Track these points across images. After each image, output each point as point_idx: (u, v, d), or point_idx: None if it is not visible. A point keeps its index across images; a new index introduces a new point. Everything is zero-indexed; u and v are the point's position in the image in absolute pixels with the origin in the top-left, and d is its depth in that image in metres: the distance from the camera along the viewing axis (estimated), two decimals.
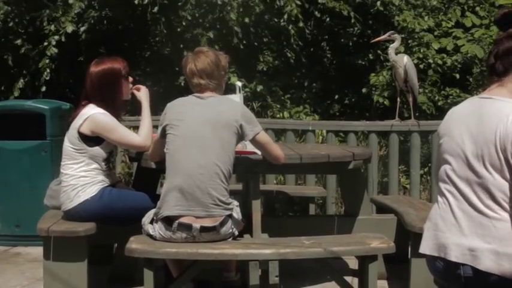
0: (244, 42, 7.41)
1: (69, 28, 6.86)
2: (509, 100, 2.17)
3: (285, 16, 7.38)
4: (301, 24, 7.42)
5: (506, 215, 2.10)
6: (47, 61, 6.96)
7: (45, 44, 6.98)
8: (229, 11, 7.16)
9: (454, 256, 2.15)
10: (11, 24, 7.10)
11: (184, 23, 7.18)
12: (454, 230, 2.17)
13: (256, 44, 7.99)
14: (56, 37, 6.91)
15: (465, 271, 2.12)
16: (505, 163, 2.08)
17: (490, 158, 2.10)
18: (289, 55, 8.40)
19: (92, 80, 3.89)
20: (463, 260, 2.12)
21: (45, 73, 6.98)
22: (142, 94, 4.08)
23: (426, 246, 2.27)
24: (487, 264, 2.08)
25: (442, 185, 2.24)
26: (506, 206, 2.10)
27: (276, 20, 7.80)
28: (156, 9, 7.05)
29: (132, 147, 4.00)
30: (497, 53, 2.22)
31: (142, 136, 3.91)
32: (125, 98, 4.02)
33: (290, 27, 7.41)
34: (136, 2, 6.98)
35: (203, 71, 3.57)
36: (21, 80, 7.31)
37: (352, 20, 7.82)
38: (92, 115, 3.80)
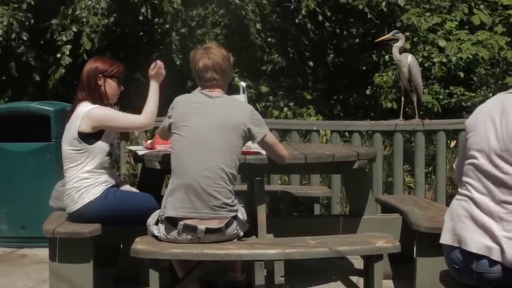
0: (260, 37, 7.42)
1: (88, 45, 6.88)
2: None
3: (303, 11, 7.36)
4: (320, 18, 7.38)
5: None
6: (63, 71, 7.04)
7: (58, 55, 7.03)
8: (250, 24, 7.17)
9: (475, 248, 2.13)
10: (13, 36, 7.13)
11: (193, 25, 7.22)
12: (472, 222, 2.16)
13: (262, 44, 8.00)
14: (69, 46, 6.97)
15: (478, 266, 2.11)
16: None
17: None
18: (293, 55, 8.39)
19: (81, 76, 3.95)
20: (483, 252, 2.11)
21: (52, 85, 7.07)
22: (153, 74, 4.03)
23: (447, 237, 2.26)
24: (507, 256, 2.07)
25: (466, 179, 2.24)
26: None
27: (286, 18, 7.80)
28: (171, 28, 7.09)
29: (136, 129, 4.01)
30: None
31: (146, 114, 3.90)
32: (110, 101, 4.00)
33: (307, 22, 7.38)
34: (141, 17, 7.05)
35: (218, 65, 3.53)
36: (29, 89, 7.39)
37: (369, 15, 7.72)
38: (88, 111, 3.81)
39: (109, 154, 3.90)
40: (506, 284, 2.10)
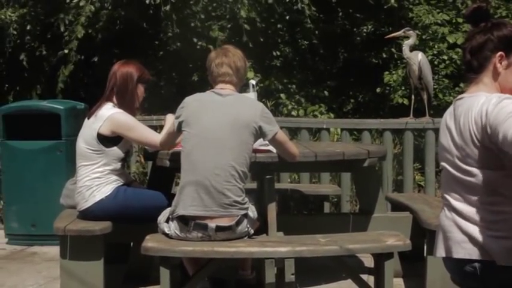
0: (261, 38, 7.40)
1: (81, 33, 6.90)
2: (479, 94, 2.17)
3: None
4: (312, 8, 7.38)
5: (507, 209, 2.10)
6: (72, 67, 7.07)
7: (66, 51, 7.06)
8: (240, 8, 7.18)
9: (462, 254, 2.16)
10: (28, 27, 7.15)
11: (198, 17, 7.22)
12: (457, 230, 2.19)
13: (269, 37, 7.98)
14: (75, 42, 7.00)
15: (479, 269, 2.13)
16: (490, 154, 2.08)
17: (474, 155, 2.11)
18: (303, 44, 8.37)
19: (116, 78, 3.93)
20: (469, 256, 2.13)
21: (60, 83, 7.09)
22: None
23: (439, 249, 2.29)
24: (499, 255, 2.08)
25: (444, 190, 2.28)
26: (503, 197, 2.10)
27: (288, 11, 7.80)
28: (168, 7, 7.08)
29: (151, 146, 4.00)
30: (471, 49, 2.22)
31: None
32: (137, 104, 4.04)
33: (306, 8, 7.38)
34: (147, 1, 7.04)
35: (233, 62, 3.58)
36: (38, 86, 7.42)
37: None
38: (111, 115, 3.82)
39: (123, 160, 3.92)
40: (507, 281, 2.12)
